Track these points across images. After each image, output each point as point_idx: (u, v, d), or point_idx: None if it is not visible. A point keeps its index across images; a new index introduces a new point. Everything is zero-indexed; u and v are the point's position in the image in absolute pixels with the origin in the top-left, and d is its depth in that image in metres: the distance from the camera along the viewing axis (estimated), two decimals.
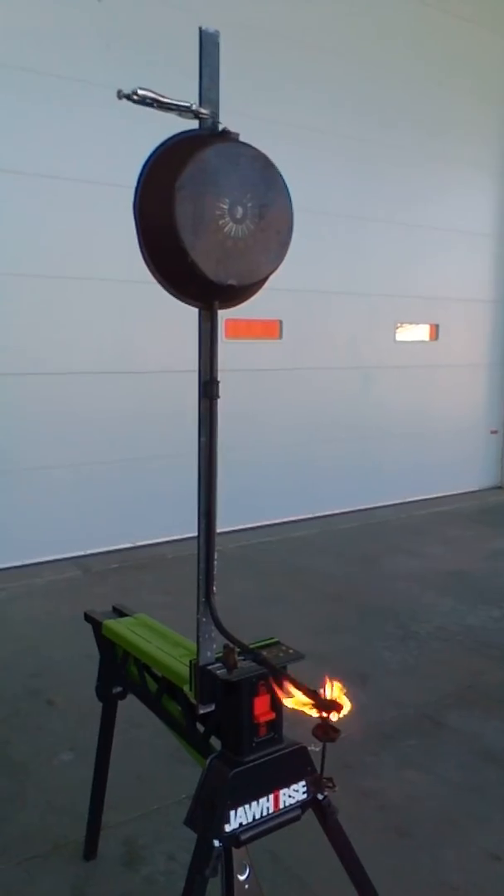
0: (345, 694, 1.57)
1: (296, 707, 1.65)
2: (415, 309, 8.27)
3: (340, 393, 7.69)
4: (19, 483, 5.98)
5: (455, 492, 8.77)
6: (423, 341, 8.54)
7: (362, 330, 7.82)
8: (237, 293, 1.76)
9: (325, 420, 7.59)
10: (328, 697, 1.56)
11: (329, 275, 7.41)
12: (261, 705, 1.86)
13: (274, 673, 1.73)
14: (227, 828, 1.81)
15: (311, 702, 1.59)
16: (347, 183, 7.43)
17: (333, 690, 1.57)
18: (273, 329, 7.25)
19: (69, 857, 2.85)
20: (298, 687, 1.63)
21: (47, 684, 4.14)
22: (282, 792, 1.91)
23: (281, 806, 1.91)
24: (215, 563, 1.85)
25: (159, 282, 1.72)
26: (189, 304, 1.75)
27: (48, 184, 5.75)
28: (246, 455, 6.98)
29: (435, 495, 8.56)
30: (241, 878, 2.00)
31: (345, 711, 1.54)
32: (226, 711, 1.87)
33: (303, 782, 1.94)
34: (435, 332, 8.55)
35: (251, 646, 1.92)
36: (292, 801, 1.93)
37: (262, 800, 1.87)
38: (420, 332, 8.50)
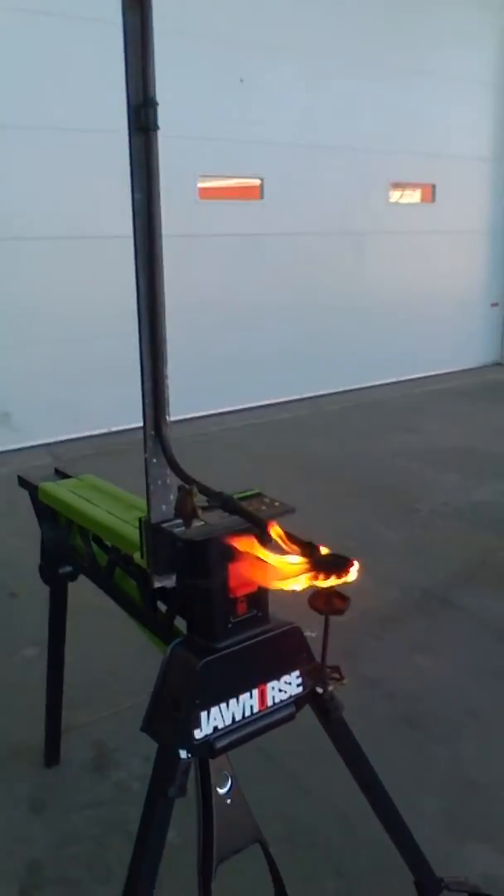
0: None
1: (282, 573, 1.16)
2: (409, 167, 7.48)
3: (329, 261, 7.01)
4: None
5: (453, 369, 8.24)
6: (418, 204, 7.80)
7: (353, 190, 7.07)
8: None
9: (312, 291, 6.94)
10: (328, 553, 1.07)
11: (315, 127, 6.61)
12: (238, 573, 1.37)
13: (255, 524, 1.22)
14: (198, 734, 1.35)
15: (307, 561, 1.09)
16: (337, 24, 6.53)
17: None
18: (253, 189, 6.51)
19: (29, 763, 2.46)
20: (290, 541, 1.13)
21: (9, 576, 3.70)
22: (269, 686, 1.44)
23: (269, 703, 1.45)
24: (167, 388, 1.32)
25: None
26: None
27: None
28: (227, 331, 6.39)
29: (432, 373, 8.03)
30: (222, 791, 1.57)
31: (353, 574, 1.06)
32: (191, 583, 1.38)
33: (297, 673, 1.48)
34: (431, 193, 7.80)
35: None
36: (284, 696, 1.46)
37: (244, 697, 1.41)
38: (415, 194, 7.76)
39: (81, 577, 2.03)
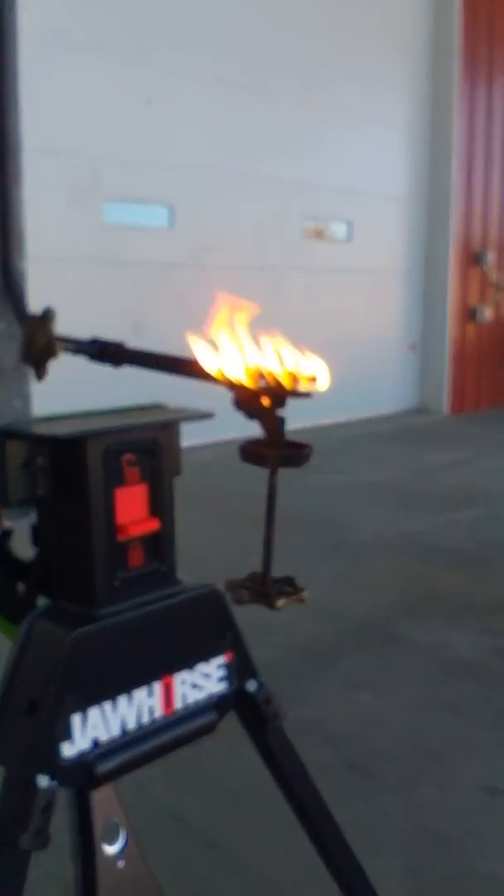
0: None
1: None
2: (325, 202, 7.33)
3: (242, 297, 6.71)
4: None
5: (372, 414, 7.98)
6: (335, 240, 7.66)
7: (267, 223, 6.83)
8: None
9: None
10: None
11: (227, 155, 6.37)
12: (130, 502, 0.92)
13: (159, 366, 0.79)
14: (68, 749, 0.87)
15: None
16: (250, 54, 6.44)
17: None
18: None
19: None
20: None
21: None
22: (178, 679, 0.98)
23: (177, 705, 0.98)
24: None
25: None
26: None
27: None
28: (131, 369, 5.96)
29: (350, 418, 7.74)
30: (111, 849, 1.08)
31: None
32: (58, 514, 0.92)
33: (219, 661, 1.02)
34: (348, 230, 7.67)
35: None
36: (200, 695, 1.00)
37: (139, 694, 0.94)
38: (332, 231, 7.62)
39: None
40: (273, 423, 0.72)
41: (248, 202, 6.61)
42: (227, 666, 1.03)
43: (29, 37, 4.98)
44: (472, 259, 8.52)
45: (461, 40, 7.96)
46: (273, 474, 0.76)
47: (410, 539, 4.11)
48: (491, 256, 8.66)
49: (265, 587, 0.79)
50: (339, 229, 7.64)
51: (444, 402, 8.45)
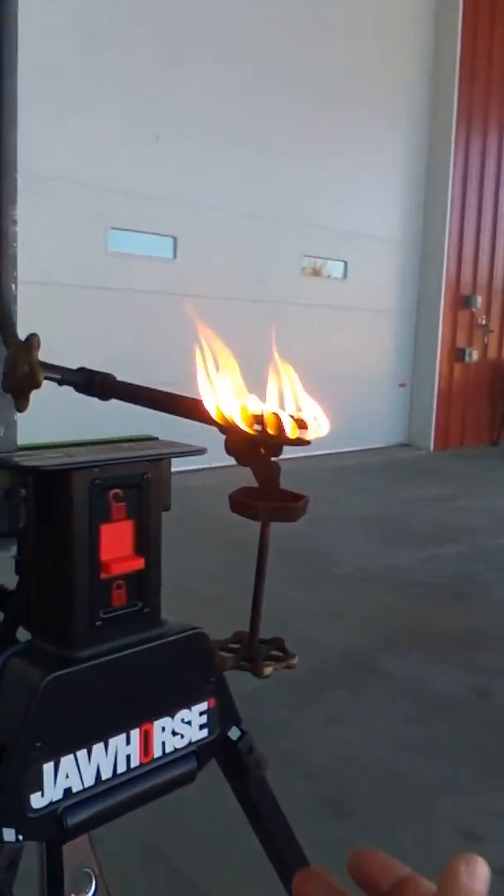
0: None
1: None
2: (323, 241, 7.42)
3: (240, 329, 6.71)
4: None
5: (361, 448, 7.99)
6: (331, 278, 7.72)
7: (266, 259, 6.89)
8: None
9: None
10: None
11: (231, 192, 6.45)
12: (115, 540, 0.88)
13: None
14: (37, 801, 0.82)
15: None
16: (261, 95, 6.53)
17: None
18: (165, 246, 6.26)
19: None
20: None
21: None
22: (158, 725, 0.93)
23: (156, 754, 0.93)
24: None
25: None
26: None
27: None
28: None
29: (339, 450, 7.75)
30: None
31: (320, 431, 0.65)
32: (39, 549, 0.88)
33: (201, 707, 0.98)
34: (344, 270, 7.75)
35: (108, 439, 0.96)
36: (180, 742, 0.96)
37: (116, 741, 0.89)
38: (328, 269, 7.69)
39: None
40: (267, 471, 0.67)
41: (250, 239, 6.68)
42: (210, 712, 0.98)
43: (46, 70, 5.05)
44: (462, 302, 8.64)
45: (458, 95, 8.17)
46: (265, 528, 0.70)
47: (394, 572, 4.08)
48: (480, 299, 8.79)
49: (252, 651, 0.73)
50: (335, 268, 7.70)
51: (430, 439, 8.48)
